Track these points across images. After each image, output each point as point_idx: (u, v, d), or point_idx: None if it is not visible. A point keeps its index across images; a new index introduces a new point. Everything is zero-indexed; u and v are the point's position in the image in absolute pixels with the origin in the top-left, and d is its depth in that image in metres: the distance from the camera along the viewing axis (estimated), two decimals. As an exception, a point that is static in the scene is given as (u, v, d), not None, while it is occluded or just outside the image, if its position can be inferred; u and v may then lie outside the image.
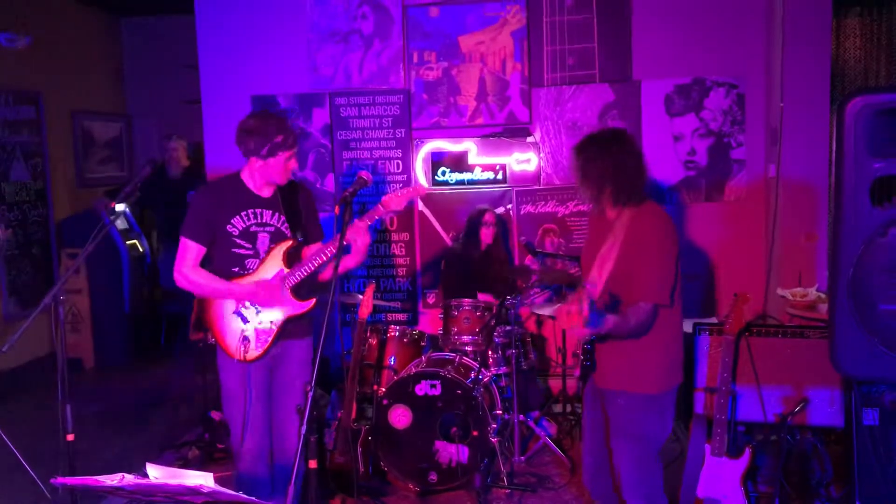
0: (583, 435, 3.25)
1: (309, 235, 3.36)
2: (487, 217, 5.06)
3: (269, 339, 3.25)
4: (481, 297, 4.87)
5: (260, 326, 3.25)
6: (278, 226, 3.30)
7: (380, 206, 3.18)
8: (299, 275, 3.22)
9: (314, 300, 3.28)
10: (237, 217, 3.27)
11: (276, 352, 3.33)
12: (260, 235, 3.28)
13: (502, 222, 5.38)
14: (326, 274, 3.33)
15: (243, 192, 3.31)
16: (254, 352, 3.25)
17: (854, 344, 2.22)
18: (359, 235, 3.20)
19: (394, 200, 3.16)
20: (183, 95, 7.09)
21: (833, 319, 2.26)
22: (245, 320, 3.26)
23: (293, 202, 3.33)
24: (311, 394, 2.46)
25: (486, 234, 5.05)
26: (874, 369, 2.25)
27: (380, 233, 5.68)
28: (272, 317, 3.26)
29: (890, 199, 2.16)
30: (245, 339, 3.24)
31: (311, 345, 3.43)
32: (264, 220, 3.29)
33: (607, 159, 2.87)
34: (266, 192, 3.33)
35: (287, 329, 3.30)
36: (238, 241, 3.27)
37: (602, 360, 2.95)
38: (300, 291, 3.27)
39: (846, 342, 2.24)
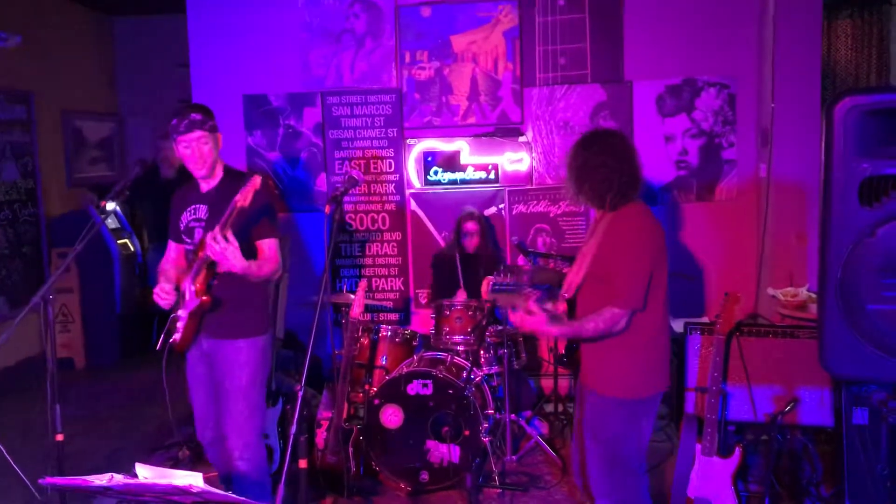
0: (573, 431, 3.26)
1: (249, 233, 3.22)
2: (468, 227, 5.01)
3: (182, 329, 3.23)
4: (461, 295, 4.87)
5: (181, 315, 3.25)
6: (207, 220, 3.26)
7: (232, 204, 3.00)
8: (192, 274, 3.18)
9: (203, 299, 3.15)
10: (185, 213, 3.35)
11: (208, 349, 3.32)
12: (197, 231, 3.29)
13: (488, 224, 5.36)
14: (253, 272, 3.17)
15: (193, 189, 3.37)
16: (177, 340, 3.25)
17: (843, 344, 2.23)
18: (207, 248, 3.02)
19: (239, 197, 2.99)
20: (175, 95, 7.08)
21: (822, 320, 2.27)
22: (178, 310, 3.28)
23: (226, 198, 3.10)
24: (301, 394, 2.46)
25: (468, 243, 5.02)
26: (863, 370, 2.25)
27: (372, 232, 5.68)
28: (185, 311, 3.25)
29: (878, 199, 2.17)
30: (174, 326, 3.27)
31: (249, 346, 3.31)
32: (199, 216, 3.31)
33: (586, 158, 2.85)
34: (204, 187, 3.33)
35: (208, 325, 3.27)
36: (184, 237, 3.36)
37: (582, 358, 2.98)
38: (208, 289, 3.19)
39: (835, 342, 2.25)
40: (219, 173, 3.35)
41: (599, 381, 2.90)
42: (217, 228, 2.95)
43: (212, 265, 3.14)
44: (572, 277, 2.92)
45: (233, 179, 3.30)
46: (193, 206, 3.34)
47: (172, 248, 3.48)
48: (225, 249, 2.93)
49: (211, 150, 3.23)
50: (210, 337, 3.31)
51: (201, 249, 3.11)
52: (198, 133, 3.17)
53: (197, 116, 3.16)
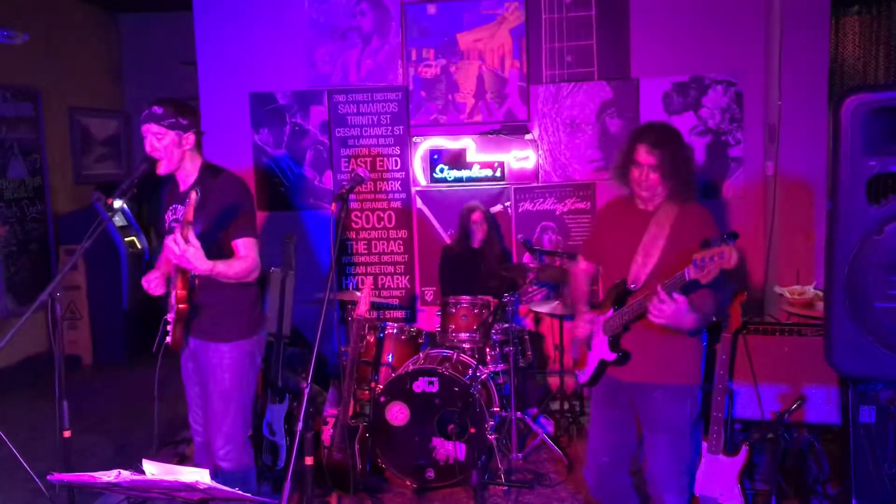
0: (593, 434, 3.18)
1: (222, 233, 3.11)
2: (475, 216, 5.07)
3: (171, 332, 3.16)
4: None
5: (170, 318, 3.17)
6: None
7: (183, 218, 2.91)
8: (174, 279, 3.09)
9: (181, 307, 3.07)
10: (168, 212, 3.28)
11: (195, 348, 3.29)
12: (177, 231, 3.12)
13: (493, 220, 5.36)
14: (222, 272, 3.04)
15: (175, 186, 3.28)
16: (170, 342, 3.19)
17: (849, 342, 2.22)
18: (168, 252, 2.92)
19: (185, 211, 2.90)
20: (181, 92, 7.06)
21: (828, 318, 2.26)
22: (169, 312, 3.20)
23: (201, 199, 2.98)
24: (307, 391, 2.46)
25: (477, 232, 5.06)
26: (869, 368, 2.25)
27: (378, 230, 5.68)
28: (171, 315, 3.18)
29: (886, 197, 2.16)
30: (166, 328, 3.20)
31: (232, 350, 3.23)
32: (178, 216, 3.19)
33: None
34: (182, 186, 3.24)
35: (194, 327, 3.22)
36: (166, 237, 3.19)
37: (636, 353, 2.93)
38: (189, 294, 3.09)
39: (841, 340, 2.24)
40: (193, 172, 3.22)
41: (673, 374, 2.92)
42: (176, 232, 2.85)
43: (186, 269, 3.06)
44: (638, 269, 2.88)
45: (208, 179, 3.18)
46: (173, 206, 3.27)
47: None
48: (185, 252, 2.82)
49: (169, 147, 3.10)
50: (196, 338, 3.27)
51: None
52: (154, 127, 3.07)
53: (158, 110, 3.06)
